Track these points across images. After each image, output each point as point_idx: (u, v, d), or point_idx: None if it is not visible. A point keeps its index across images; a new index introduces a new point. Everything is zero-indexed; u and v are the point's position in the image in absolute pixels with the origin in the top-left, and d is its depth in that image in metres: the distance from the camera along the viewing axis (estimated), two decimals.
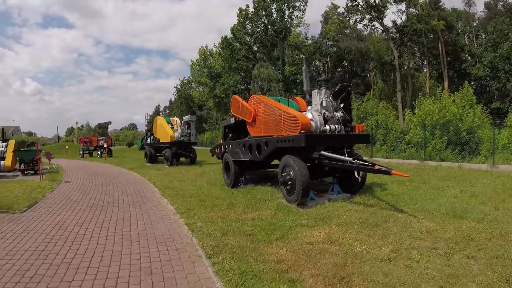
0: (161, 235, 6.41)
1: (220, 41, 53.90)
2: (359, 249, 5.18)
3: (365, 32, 53.71)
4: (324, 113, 8.98)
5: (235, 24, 49.78)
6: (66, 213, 8.32)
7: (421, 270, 4.39)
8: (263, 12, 46.86)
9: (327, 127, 8.84)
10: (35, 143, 19.71)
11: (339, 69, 57.40)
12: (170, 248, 5.64)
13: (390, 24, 42.90)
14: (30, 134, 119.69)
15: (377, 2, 39.08)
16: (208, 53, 65.30)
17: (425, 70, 46.61)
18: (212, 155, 15.47)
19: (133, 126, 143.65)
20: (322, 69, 54.29)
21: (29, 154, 17.21)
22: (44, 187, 12.40)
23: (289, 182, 8.32)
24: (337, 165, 8.17)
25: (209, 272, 4.59)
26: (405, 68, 45.16)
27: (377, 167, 7.35)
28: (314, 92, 9.30)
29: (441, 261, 4.63)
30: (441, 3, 42.27)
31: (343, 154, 8.38)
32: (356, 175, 8.46)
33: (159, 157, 24.86)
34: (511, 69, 35.32)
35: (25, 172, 16.80)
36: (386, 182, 10.59)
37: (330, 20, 48.13)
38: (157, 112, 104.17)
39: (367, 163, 7.79)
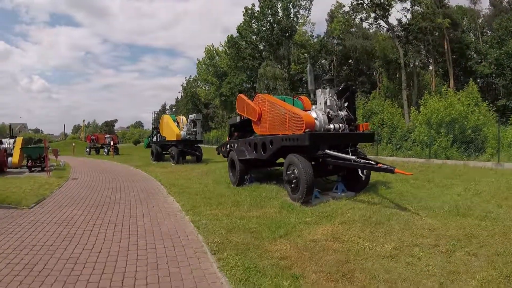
0: (167, 231, 6.52)
1: (226, 39, 54.04)
2: (362, 246, 5.25)
3: (371, 31, 53.48)
4: (328, 112, 9.04)
5: (241, 23, 49.76)
6: (74, 209, 8.47)
7: (422, 267, 4.45)
8: (269, 11, 46.71)
9: (331, 126, 8.90)
10: (43, 140, 19.91)
11: (344, 68, 57.19)
12: (176, 244, 5.74)
13: (395, 23, 42.69)
14: (37, 131, 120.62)
15: (382, 1, 38.88)
16: (214, 51, 65.38)
17: (430, 68, 46.28)
18: (218, 154, 15.60)
19: (139, 124, 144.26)
20: (327, 67, 54.18)
21: (37, 151, 17.46)
22: (51, 183, 12.59)
23: (294, 181, 8.40)
24: (341, 163, 8.22)
25: (214, 267, 4.69)
26: (411, 66, 44.88)
27: (380, 165, 7.40)
28: (319, 91, 9.36)
29: (443, 258, 4.69)
30: (446, 1, 41.95)
31: (347, 153, 8.44)
32: (360, 174, 8.50)
33: (165, 155, 25.05)
34: None
35: (32, 169, 17.02)
36: (391, 180, 10.61)
37: (335, 18, 47.91)
38: (163, 110, 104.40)
39: (370, 162, 7.85)
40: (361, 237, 5.63)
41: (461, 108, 18.71)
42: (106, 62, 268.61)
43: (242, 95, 12.13)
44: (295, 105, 9.87)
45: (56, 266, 4.78)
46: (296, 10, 47.96)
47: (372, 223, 6.29)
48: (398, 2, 39.77)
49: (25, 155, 17.54)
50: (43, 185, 12.05)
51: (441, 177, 11.26)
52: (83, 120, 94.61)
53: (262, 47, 51.41)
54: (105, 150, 37.91)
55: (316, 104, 9.58)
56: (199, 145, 24.00)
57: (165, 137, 23.72)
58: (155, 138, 27.14)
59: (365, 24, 48.28)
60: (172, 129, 22.49)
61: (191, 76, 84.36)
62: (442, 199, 8.05)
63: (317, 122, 8.76)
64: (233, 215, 7.42)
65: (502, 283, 3.96)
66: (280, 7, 46.95)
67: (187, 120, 23.61)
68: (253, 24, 49.18)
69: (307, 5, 48.04)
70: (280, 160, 10.62)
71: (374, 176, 10.51)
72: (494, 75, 40.11)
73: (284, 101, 10.25)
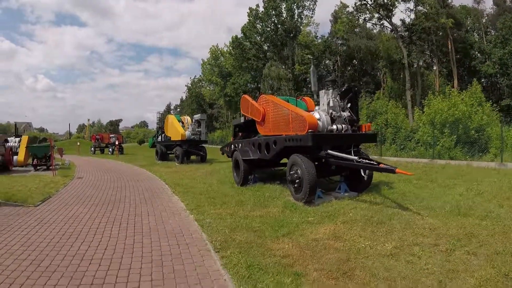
0: (171, 230, 6.62)
1: (231, 40, 54.20)
2: (363, 245, 5.32)
3: (374, 31, 53.42)
4: (331, 113, 9.10)
5: (245, 24, 49.93)
6: (79, 208, 8.59)
7: (422, 265, 4.52)
8: (273, 12, 46.86)
9: (334, 126, 8.97)
10: (48, 139, 20.10)
11: (349, 68, 57.15)
12: (180, 242, 5.83)
13: (398, 23, 42.67)
14: (41, 130, 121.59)
15: (385, 1, 38.84)
16: (219, 52, 65.56)
17: (434, 68, 46.22)
18: (222, 154, 15.68)
19: (144, 124, 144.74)
20: (332, 68, 54.18)
21: (42, 150, 17.62)
22: (57, 182, 12.72)
23: (297, 181, 8.47)
24: (344, 163, 8.28)
25: (217, 265, 4.78)
26: (415, 66, 44.81)
27: (381, 165, 7.46)
28: (322, 93, 9.43)
29: (442, 257, 4.75)
30: (449, 1, 41.89)
31: (349, 153, 8.50)
32: (363, 174, 8.57)
33: (169, 155, 25.18)
34: None
35: (38, 168, 17.17)
36: (393, 180, 10.65)
37: (339, 19, 47.94)
38: (168, 110, 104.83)
39: (372, 162, 7.91)
40: (362, 236, 5.70)
41: (465, 108, 18.69)
42: (111, 61, 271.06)
43: (246, 96, 12.22)
44: (299, 106, 9.96)
45: (62, 262, 4.88)
46: (300, 10, 48.10)
47: (373, 223, 6.36)
48: (401, 3, 39.78)
49: (30, 153, 17.69)
50: (49, 183, 12.17)
51: (444, 177, 11.29)
52: (88, 120, 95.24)
53: (266, 48, 51.58)
54: (110, 149, 38.11)
55: (319, 105, 9.67)
56: (203, 145, 24.13)
57: (170, 137, 23.86)
58: (159, 138, 27.32)
59: (369, 25, 48.22)
60: (177, 129, 22.61)
61: (195, 76, 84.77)
62: (444, 199, 8.11)
63: (320, 123, 8.83)
64: (236, 214, 7.50)
65: (501, 282, 4.02)
66: (284, 7, 47.09)
67: (192, 120, 23.72)
68: (257, 25, 49.36)
69: (311, 6, 48.22)
70: (284, 160, 10.70)
71: (377, 176, 10.58)
72: (498, 75, 40.00)
73: (288, 102, 10.34)
